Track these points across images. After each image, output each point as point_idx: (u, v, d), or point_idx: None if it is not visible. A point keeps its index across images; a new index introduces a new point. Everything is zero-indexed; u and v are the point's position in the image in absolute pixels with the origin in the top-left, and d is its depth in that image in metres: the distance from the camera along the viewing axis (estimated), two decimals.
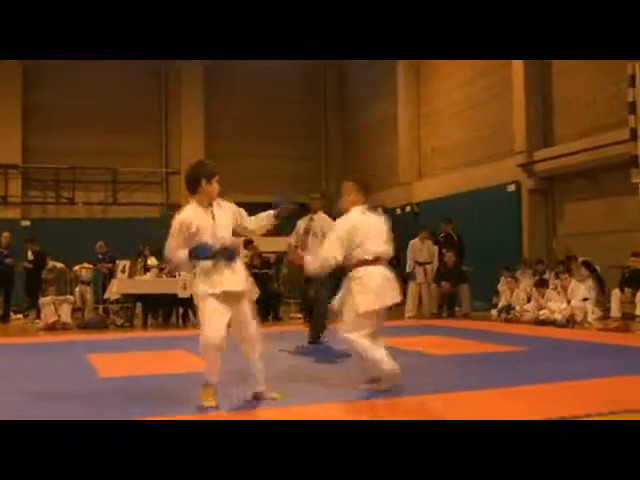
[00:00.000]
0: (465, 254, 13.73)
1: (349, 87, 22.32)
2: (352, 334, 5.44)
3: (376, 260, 5.50)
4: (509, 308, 12.22)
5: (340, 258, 5.45)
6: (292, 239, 8.97)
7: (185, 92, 20.79)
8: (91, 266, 14.61)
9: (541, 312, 11.25)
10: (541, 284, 11.73)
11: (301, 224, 8.90)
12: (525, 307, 11.82)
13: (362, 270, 5.46)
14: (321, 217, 8.81)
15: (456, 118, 16.93)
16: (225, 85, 21.15)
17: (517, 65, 14.42)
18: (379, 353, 5.47)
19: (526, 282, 12.61)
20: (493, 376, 6.24)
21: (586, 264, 11.81)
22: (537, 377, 5.98)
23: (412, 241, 13.88)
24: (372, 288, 5.40)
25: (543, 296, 11.48)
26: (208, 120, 20.91)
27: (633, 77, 11.27)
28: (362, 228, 5.52)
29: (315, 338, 8.82)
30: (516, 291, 12.41)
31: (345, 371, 6.48)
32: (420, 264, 13.67)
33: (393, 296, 5.60)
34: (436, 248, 13.84)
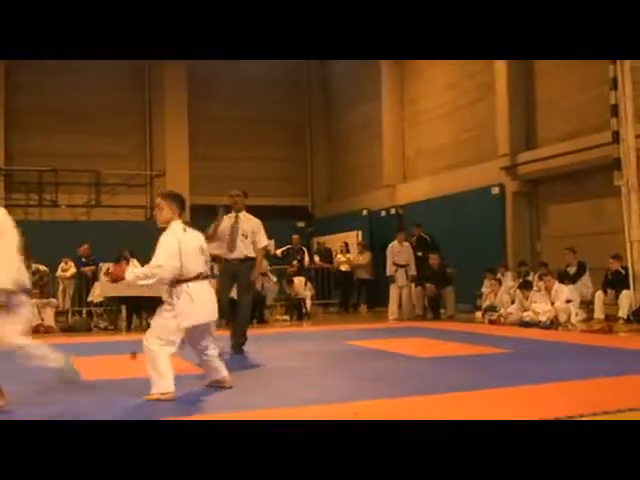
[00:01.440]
0: (440, 256, 13.83)
1: (333, 89, 22.35)
2: None
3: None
4: (493, 310, 12.26)
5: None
6: (212, 233, 8.11)
7: (168, 94, 20.74)
8: (72, 265, 14.57)
9: (525, 314, 11.29)
10: (525, 286, 11.77)
11: (226, 223, 8.27)
12: (509, 309, 11.86)
13: None
14: (247, 216, 8.41)
15: (440, 120, 16.98)
16: (209, 87, 21.12)
17: (500, 68, 14.50)
18: None
19: (509, 284, 12.68)
20: (477, 378, 6.24)
21: (580, 264, 11.93)
22: (521, 379, 5.98)
23: (391, 244, 13.96)
24: None
25: (527, 298, 11.52)
26: (192, 122, 20.89)
27: (615, 80, 11.34)
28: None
29: (238, 347, 8.37)
30: (499, 293, 12.47)
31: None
32: (400, 266, 13.70)
33: None
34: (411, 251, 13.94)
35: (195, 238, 5.73)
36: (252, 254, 8.30)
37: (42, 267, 13.91)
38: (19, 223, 17.89)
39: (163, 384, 5.33)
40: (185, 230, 5.66)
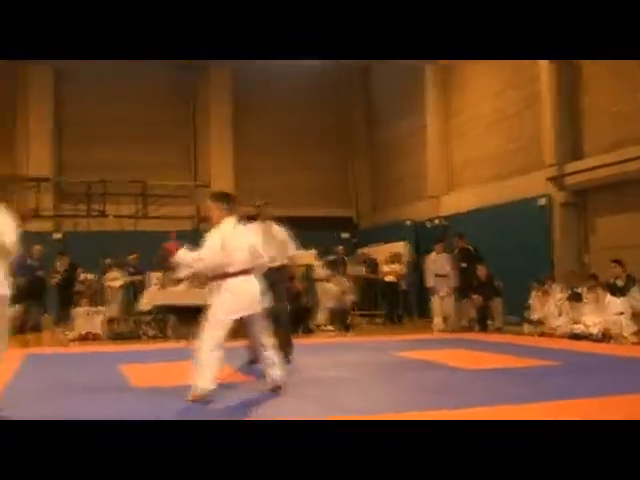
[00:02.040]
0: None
1: (377, 98, 22.32)
2: None
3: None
4: (541, 322, 12.10)
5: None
6: None
7: (213, 105, 20.94)
8: (120, 275, 14.79)
9: (576, 326, 11.12)
10: (574, 298, 11.61)
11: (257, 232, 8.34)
12: (557, 321, 11.69)
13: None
14: (276, 226, 8.44)
15: (486, 130, 16.85)
16: (253, 97, 21.25)
17: (546, 77, 14.33)
18: None
19: (557, 296, 12.50)
20: (526, 390, 6.17)
21: (629, 277, 11.71)
22: (571, 392, 5.91)
23: (429, 255, 13.92)
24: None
25: (576, 310, 11.35)
26: (237, 132, 21.04)
27: None
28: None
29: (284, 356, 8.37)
30: (547, 305, 12.30)
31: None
32: (441, 276, 13.65)
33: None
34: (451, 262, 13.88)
35: (243, 235, 5.95)
36: (285, 262, 8.30)
37: (90, 276, 14.15)
38: (68, 233, 18.29)
39: (204, 382, 5.52)
40: (235, 227, 5.90)
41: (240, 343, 6.60)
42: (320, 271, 14.58)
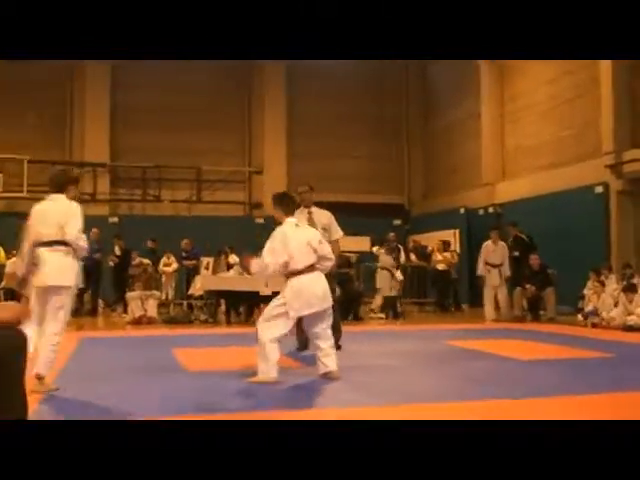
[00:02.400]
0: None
1: (432, 86, 22.16)
2: None
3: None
4: (596, 313, 11.91)
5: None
6: None
7: (268, 92, 21.05)
8: (173, 260, 15.06)
9: (629, 317, 10.93)
10: (629, 289, 11.39)
11: (301, 219, 7.90)
12: (612, 312, 11.49)
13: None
14: (319, 211, 8.32)
15: (541, 117, 16.60)
16: (307, 84, 21.31)
17: (605, 62, 14.02)
18: None
19: (613, 286, 12.27)
20: (577, 381, 6.10)
21: None
22: (625, 384, 5.83)
23: (485, 243, 13.73)
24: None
25: (631, 301, 11.14)
26: (290, 119, 21.13)
27: None
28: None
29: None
30: (603, 296, 12.09)
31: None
32: (494, 266, 13.47)
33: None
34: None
35: (303, 234, 6.14)
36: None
37: (145, 260, 14.38)
38: (124, 217, 18.66)
39: (268, 371, 5.79)
40: (297, 226, 6.18)
41: None
42: (385, 259, 14.60)
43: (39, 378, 5.32)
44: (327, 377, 5.98)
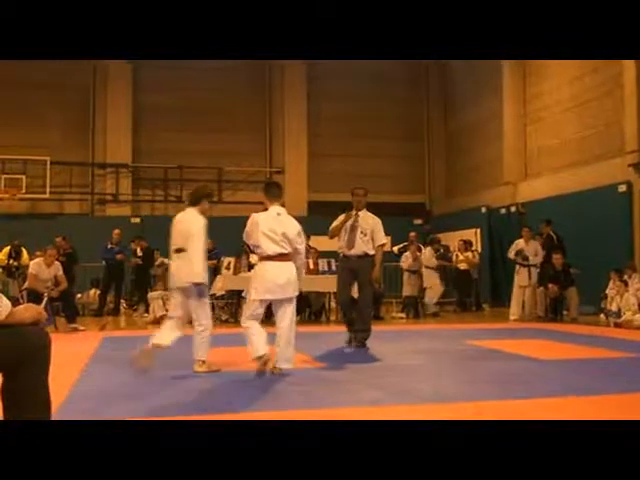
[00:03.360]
0: (565, 256, 13.27)
1: (453, 85, 22.07)
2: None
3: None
4: (619, 313, 11.80)
5: None
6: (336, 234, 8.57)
7: (288, 92, 21.09)
8: None
9: None
10: None
11: (346, 220, 8.47)
12: (636, 313, 11.37)
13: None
14: (367, 214, 8.56)
15: (563, 116, 16.47)
16: (327, 85, 21.33)
17: (628, 61, 13.88)
18: None
19: (636, 286, 12.15)
20: (600, 381, 6.05)
21: None
22: None
23: (516, 242, 13.61)
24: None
25: None
26: (310, 120, 21.16)
27: None
28: None
29: (361, 341, 8.47)
30: (625, 295, 11.98)
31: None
32: (525, 266, 13.36)
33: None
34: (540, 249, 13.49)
35: (280, 224, 6.43)
36: (371, 251, 8.40)
37: (166, 260, 14.42)
38: (146, 218, 18.74)
39: (257, 350, 6.16)
40: (278, 215, 6.49)
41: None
42: (430, 259, 14.93)
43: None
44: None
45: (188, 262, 6.33)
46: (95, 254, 15.17)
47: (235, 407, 4.87)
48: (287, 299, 6.42)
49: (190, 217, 6.57)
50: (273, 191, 6.66)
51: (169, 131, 20.06)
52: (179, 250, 6.52)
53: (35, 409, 3.07)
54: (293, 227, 6.50)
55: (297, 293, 6.54)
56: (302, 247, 6.50)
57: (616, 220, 14.10)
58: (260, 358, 6.14)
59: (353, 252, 8.39)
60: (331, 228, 8.54)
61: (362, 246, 8.37)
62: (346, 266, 8.54)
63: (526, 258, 13.29)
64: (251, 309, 6.39)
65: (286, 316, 6.42)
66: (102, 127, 20.08)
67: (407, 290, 14.48)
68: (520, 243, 13.51)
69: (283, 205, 6.77)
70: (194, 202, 6.71)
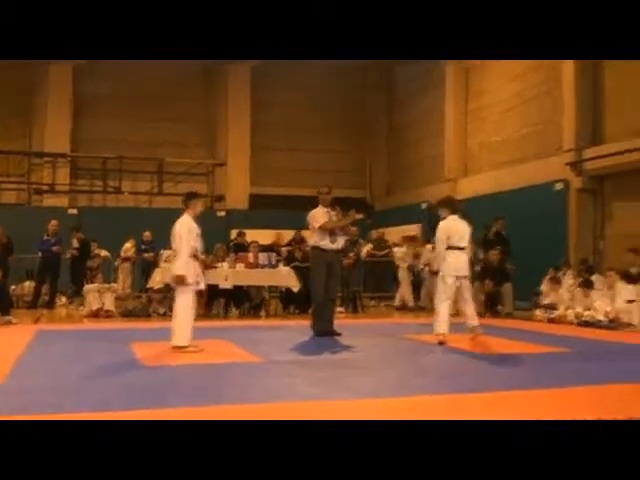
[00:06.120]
0: (508, 253, 13.44)
1: (395, 81, 22.20)
2: None
3: None
4: (552, 308, 12.02)
5: None
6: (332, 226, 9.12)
7: (232, 84, 20.96)
8: (134, 244, 15.01)
9: (585, 313, 11.05)
10: (586, 285, 11.51)
11: (325, 217, 9.09)
12: (568, 308, 11.61)
13: None
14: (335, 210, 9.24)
15: (504, 114, 16.72)
16: (271, 77, 21.22)
17: (568, 61, 14.14)
18: None
19: (569, 282, 12.40)
20: (533, 376, 6.14)
21: None
22: (579, 378, 5.88)
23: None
24: None
25: (587, 297, 11.27)
26: (254, 112, 21.04)
27: None
28: None
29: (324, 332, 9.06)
30: (560, 291, 12.22)
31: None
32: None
33: None
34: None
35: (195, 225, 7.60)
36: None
37: (104, 252, 14.21)
38: (83, 209, 18.32)
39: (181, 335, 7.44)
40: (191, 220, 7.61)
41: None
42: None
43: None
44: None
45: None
46: (31, 245, 14.79)
47: (169, 402, 4.80)
48: None
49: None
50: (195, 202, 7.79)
51: (110, 120, 19.73)
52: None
53: None
54: None
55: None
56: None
57: (553, 217, 14.37)
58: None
59: (334, 246, 9.06)
60: (332, 225, 9.04)
61: (340, 241, 9.13)
62: (323, 259, 9.02)
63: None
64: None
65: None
66: (41, 116, 19.64)
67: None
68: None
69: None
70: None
